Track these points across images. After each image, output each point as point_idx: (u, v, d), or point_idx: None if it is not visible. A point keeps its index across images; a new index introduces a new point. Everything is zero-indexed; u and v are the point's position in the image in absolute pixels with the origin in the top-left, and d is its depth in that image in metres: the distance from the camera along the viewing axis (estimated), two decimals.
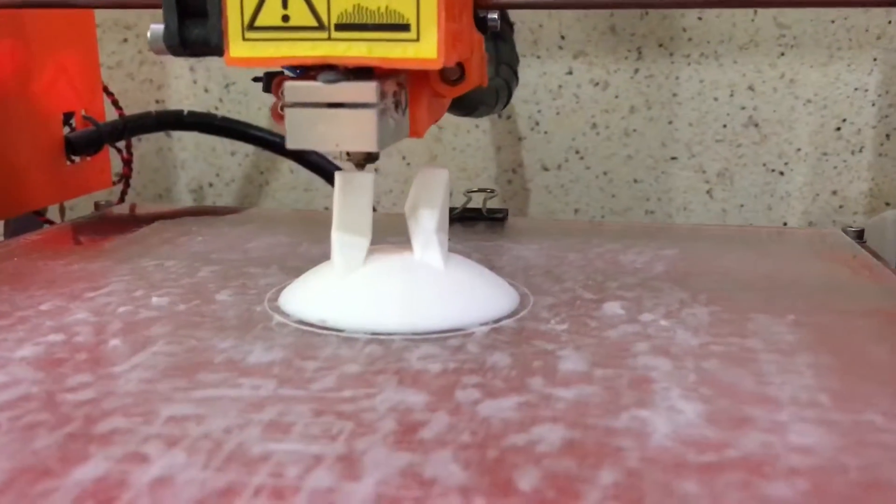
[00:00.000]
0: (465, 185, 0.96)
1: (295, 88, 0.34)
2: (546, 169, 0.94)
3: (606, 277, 0.45)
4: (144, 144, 0.93)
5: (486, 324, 0.37)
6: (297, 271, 0.44)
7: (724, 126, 0.89)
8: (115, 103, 0.70)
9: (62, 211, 0.68)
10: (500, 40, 0.75)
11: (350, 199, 0.38)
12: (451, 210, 0.59)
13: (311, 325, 0.37)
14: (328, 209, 1.02)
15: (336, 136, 0.34)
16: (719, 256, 0.49)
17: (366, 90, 0.34)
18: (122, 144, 0.71)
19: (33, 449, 0.26)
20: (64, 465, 0.25)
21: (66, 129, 0.64)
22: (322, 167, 0.82)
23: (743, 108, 0.88)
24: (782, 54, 0.87)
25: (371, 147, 0.34)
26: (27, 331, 0.36)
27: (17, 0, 0.44)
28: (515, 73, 0.71)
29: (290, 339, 0.35)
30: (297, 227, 0.58)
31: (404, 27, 0.33)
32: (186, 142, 0.94)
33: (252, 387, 0.30)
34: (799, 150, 0.88)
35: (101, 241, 0.52)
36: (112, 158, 0.71)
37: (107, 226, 0.58)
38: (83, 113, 0.65)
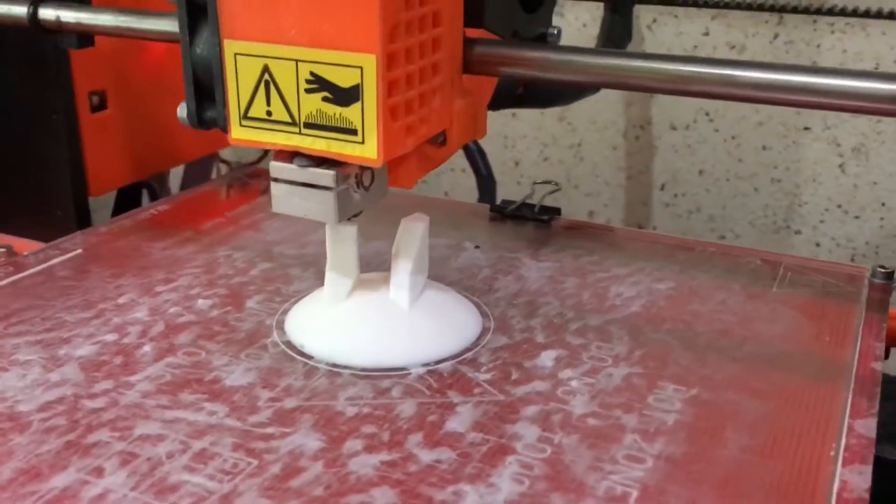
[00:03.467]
0: (594, 137, 1.00)
1: (277, 167, 0.43)
2: (674, 128, 0.96)
3: (577, 314, 0.51)
4: None
5: (427, 364, 0.45)
6: None
7: None
8: None
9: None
10: (615, 13, 0.77)
11: (338, 245, 0.47)
12: (507, 204, 0.66)
13: (293, 348, 0.47)
14: (448, 194, 1.08)
15: (306, 208, 0.43)
16: (706, 298, 0.53)
17: (325, 176, 0.42)
18: None
19: (38, 452, 0.38)
20: (51, 470, 0.37)
21: None
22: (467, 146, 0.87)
23: None
24: None
25: (331, 221, 0.43)
26: (96, 327, 0.49)
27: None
28: None
29: (268, 363, 0.46)
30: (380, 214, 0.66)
31: (353, 132, 0.40)
32: None
33: (209, 412, 0.41)
34: None
35: (205, 219, 0.65)
36: None
37: (218, 199, 0.70)
38: None
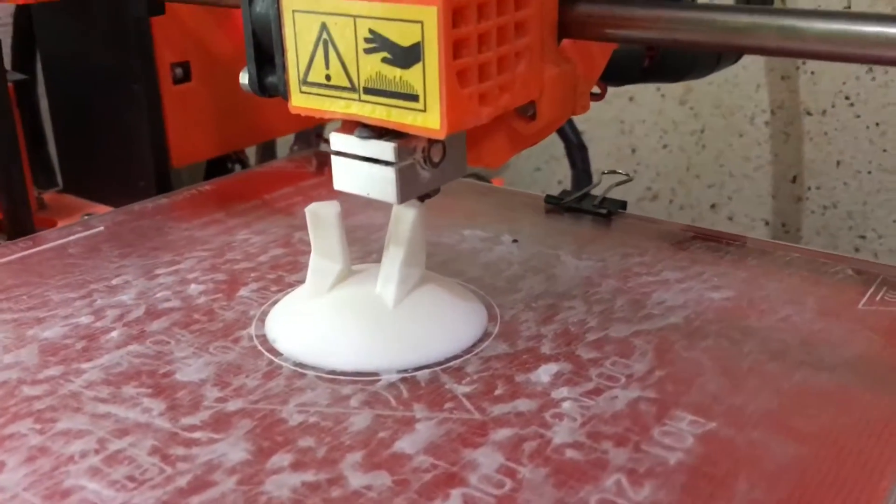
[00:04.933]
0: (718, 122, 0.90)
1: (337, 139, 0.39)
2: (809, 113, 0.85)
3: (602, 321, 0.43)
4: None
5: (404, 371, 0.39)
6: None
7: None
8: None
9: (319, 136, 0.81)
10: None
11: (319, 230, 0.42)
12: (566, 195, 0.58)
13: (266, 343, 0.42)
14: (561, 183, 1.01)
15: (367, 186, 0.38)
16: (767, 312, 0.44)
17: (386, 149, 0.37)
18: None
19: None
20: None
21: None
22: (567, 135, 0.81)
23: None
24: None
25: (393, 200, 0.38)
26: (77, 308, 0.46)
27: None
28: None
29: (232, 358, 0.41)
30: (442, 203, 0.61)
31: (414, 97, 0.35)
32: None
33: (144, 409, 0.37)
34: None
35: (244, 201, 0.61)
36: None
37: (275, 177, 0.67)
38: None
